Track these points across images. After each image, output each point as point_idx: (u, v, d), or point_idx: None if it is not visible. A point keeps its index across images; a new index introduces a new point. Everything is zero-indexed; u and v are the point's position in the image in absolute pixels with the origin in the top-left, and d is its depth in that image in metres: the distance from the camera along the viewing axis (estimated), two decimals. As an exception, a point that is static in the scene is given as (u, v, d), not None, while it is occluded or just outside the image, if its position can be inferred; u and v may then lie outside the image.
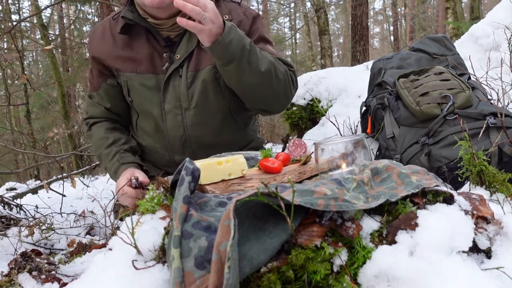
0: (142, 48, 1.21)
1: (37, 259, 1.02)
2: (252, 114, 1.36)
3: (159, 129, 1.25)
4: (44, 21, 6.87)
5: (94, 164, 3.71)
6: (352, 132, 1.81)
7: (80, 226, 1.86)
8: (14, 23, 3.30)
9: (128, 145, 1.30)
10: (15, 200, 2.41)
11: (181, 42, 1.19)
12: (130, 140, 1.33)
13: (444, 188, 0.62)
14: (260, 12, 11.97)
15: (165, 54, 1.20)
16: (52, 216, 1.91)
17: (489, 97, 1.30)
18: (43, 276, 0.96)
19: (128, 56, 1.22)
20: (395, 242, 0.53)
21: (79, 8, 7.73)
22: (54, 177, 3.50)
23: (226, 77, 1.12)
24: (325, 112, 2.26)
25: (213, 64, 1.18)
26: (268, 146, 4.54)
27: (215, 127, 1.24)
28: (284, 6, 12.26)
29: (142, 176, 1.15)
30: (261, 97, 1.16)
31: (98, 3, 5.05)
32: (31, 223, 1.62)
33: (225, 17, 1.18)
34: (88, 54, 1.41)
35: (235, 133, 1.30)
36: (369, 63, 2.65)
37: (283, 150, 2.76)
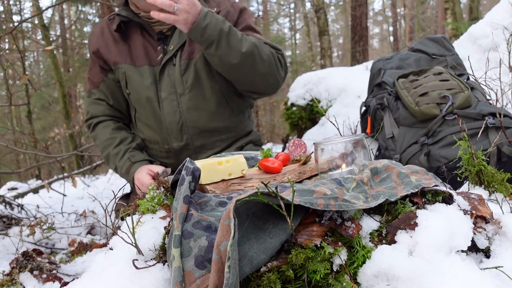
0: (138, 43, 1.29)
1: (38, 259, 1.03)
2: (246, 101, 1.38)
3: (156, 117, 1.29)
4: (45, 21, 6.88)
5: (95, 164, 3.71)
6: (351, 132, 1.82)
7: (81, 226, 1.87)
8: (16, 24, 3.31)
9: (135, 142, 1.34)
10: (16, 200, 2.42)
11: (174, 35, 1.26)
12: (136, 138, 1.37)
13: (443, 188, 0.63)
14: (260, 13, 11.96)
15: (159, 47, 1.27)
16: (53, 216, 1.91)
17: (488, 97, 1.30)
18: (44, 275, 0.96)
19: (126, 50, 1.30)
20: (394, 242, 0.54)
21: (80, 9, 7.74)
22: (55, 177, 3.51)
23: (210, 61, 1.18)
24: (325, 112, 2.26)
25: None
26: (268, 146, 4.54)
27: (210, 111, 1.28)
28: (284, 7, 12.26)
29: (160, 169, 1.22)
30: (247, 77, 1.21)
31: (99, 4, 5.06)
32: (32, 223, 1.62)
33: (213, 9, 1.26)
34: (88, 55, 1.43)
35: (230, 119, 1.32)
36: (369, 64, 2.65)
37: (283, 150, 2.76)
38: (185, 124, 1.27)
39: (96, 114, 1.37)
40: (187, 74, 1.25)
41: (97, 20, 7.93)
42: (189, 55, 1.25)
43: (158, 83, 1.26)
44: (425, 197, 0.61)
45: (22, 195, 2.82)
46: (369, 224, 0.56)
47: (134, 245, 0.57)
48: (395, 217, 0.57)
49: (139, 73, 1.28)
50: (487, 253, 0.57)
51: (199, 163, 0.71)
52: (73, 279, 0.83)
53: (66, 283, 0.90)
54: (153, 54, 1.27)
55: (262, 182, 0.54)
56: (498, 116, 0.86)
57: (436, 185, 0.62)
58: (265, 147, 1.85)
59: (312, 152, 0.76)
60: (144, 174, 1.20)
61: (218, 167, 0.72)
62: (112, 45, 1.30)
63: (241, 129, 1.36)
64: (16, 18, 7.40)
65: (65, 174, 3.12)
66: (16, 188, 3.28)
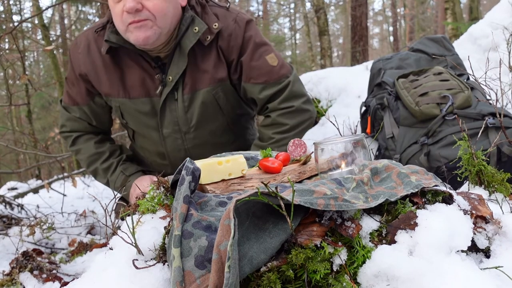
0: (132, 70, 1.14)
1: (38, 258, 1.03)
2: (249, 115, 1.35)
3: (159, 150, 1.24)
4: (45, 21, 6.87)
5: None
6: (351, 132, 1.82)
7: (81, 226, 1.87)
8: (16, 24, 3.31)
9: (125, 154, 1.29)
10: (16, 200, 2.42)
11: (172, 63, 1.13)
12: (124, 149, 1.32)
13: (443, 188, 0.63)
14: (260, 13, 11.95)
15: (156, 76, 1.14)
16: (53, 216, 1.91)
17: (488, 97, 1.30)
18: (44, 275, 0.96)
19: (118, 78, 1.15)
20: (394, 242, 0.54)
21: (80, 8, 7.74)
22: (55, 177, 3.50)
23: None
24: (325, 112, 2.26)
25: (211, 86, 1.14)
26: (268, 146, 4.52)
27: (215, 143, 1.23)
28: (284, 7, 12.26)
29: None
30: None
31: (98, 4, 5.06)
32: (32, 223, 1.62)
33: (214, 25, 1.11)
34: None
35: (235, 143, 1.30)
36: (369, 64, 2.65)
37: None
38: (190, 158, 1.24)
39: (75, 130, 1.27)
40: (191, 110, 1.15)
41: (96, 20, 7.93)
42: (192, 87, 1.13)
43: (159, 119, 1.17)
44: (425, 197, 0.61)
45: (22, 195, 2.82)
46: (369, 224, 0.56)
47: (134, 245, 0.57)
48: (395, 217, 0.57)
49: (135, 106, 1.16)
50: (487, 253, 0.57)
51: (199, 163, 0.70)
52: (73, 279, 0.83)
53: (66, 283, 0.90)
54: (150, 84, 1.14)
55: (262, 182, 0.54)
56: (498, 116, 0.86)
57: (436, 185, 0.62)
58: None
59: (312, 152, 0.76)
60: (140, 186, 1.15)
61: (218, 167, 0.72)
62: (101, 71, 1.14)
63: (245, 147, 1.34)
64: (16, 18, 7.40)
65: (65, 174, 3.11)
66: (16, 188, 3.27)
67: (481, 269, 0.53)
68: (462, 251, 0.55)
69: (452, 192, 0.62)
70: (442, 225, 0.53)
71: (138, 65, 1.14)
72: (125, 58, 1.15)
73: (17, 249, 1.43)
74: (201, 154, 1.21)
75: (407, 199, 0.60)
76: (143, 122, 1.19)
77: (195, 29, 1.10)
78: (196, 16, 1.12)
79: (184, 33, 1.10)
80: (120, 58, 1.15)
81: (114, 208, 1.31)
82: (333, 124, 1.05)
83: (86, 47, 1.17)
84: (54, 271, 1.07)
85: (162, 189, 0.69)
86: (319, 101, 2.41)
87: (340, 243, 0.53)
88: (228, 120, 1.23)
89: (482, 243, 0.57)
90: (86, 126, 1.28)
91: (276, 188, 0.52)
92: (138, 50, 1.13)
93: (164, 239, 0.59)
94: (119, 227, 0.71)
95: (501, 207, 0.63)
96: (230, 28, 1.13)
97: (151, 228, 0.60)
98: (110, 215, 0.67)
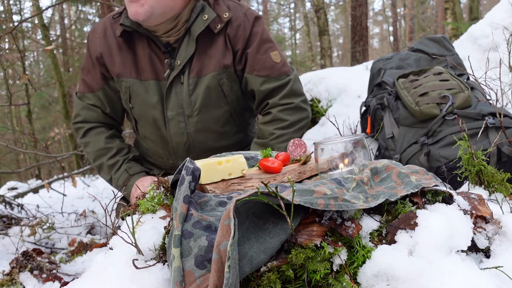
0: (144, 52, 1.20)
1: (38, 258, 1.03)
2: (252, 112, 1.36)
3: (162, 135, 1.25)
4: (45, 21, 6.87)
5: (94, 164, 3.70)
6: (351, 132, 1.82)
7: (81, 226, 1.87)
8: (16, 24, 3.30)
9: (132, 154, 1.30)
10: (16, 200, 2.41)
11: (180, 48, 1.18)
12: (132, 149, 1.33)
13: (443, 187, 0.63)
14: (260, 13, 11.95)
15: (166, 60, 1.19)
16: (53, 216, 1.92)
17: (488, 97, 1.30)
18: (44, 275, 0.96)
19: (131, 60, 1.21)
20: (394, 242, 0.54)
21: (80, 8, 7.74)
22: (55, 177, 3.50)
23: None
24: (325, 112, 2.26)
25: (216, 71, 1.18)
26: (268, 146, 4.51)
27: (217, 131, 1.25)
28: (284, 7, 12.26)
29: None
30: None
31: (98, 4, 5.06)
32: (32, 223, 1.62)
33: (225, 14, 1.18)
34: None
35: (237, 135, 1.30)
36: (369, 63, 2.65)
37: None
38: (192, 145, 1.24)
39: (88, 120, 1.29)
40: (195, 94, 1.19)
41: (96, 20, 7.93)
42: (198, 72, 1.18)
43: (164, 102, 1.20)
44: (425, 197, 0.61)
45: (22, 195, 2.82)
46: (369, 224, 0.56)
47: (134, 245, 0.57)
48: (395, 217, 0.57)
49: (144, 88, 1.20)
50: (487, 253, 0.57)
51: (199, 163, 0.70)
52: (73, 279, 0.83)
53: (66, 283, 0.90)
54: (159, 68, 1.20)
55: (262, 182, 0.54)
56: (498, 116, 0.86)
57: (436, 185, 0.62)
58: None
59: (312, 152, 0.76)
60: (140, 186, 1.16)
61: (218, 167, 0.72)
62: (116, 53, 1.21)
63: (247, 142, 1.35)
64: (16, 18, 7.40)
65: (65, 174, 3.11)
66: (16, 188, 3.27)
67: (481, 269, 0.53)
68: (462, 251, 0.55)
69: (452, 192, 0.62)
70: (442, 225, 0.53)
71: (149, 49, 1.20)
72: (138, 42, 1.21)
73: (17, 249, 1.43)
74: (203, 140, 1.24)
75: (407, 199, 0.60)
76: (150, 104, 1.22)
77: (205, 17, 1.16)
78: (207, 5, 1.18)
79: (194, 21, 1.17)
80: (133, 42, 1.22)
81: (116, 208, 1.31)
82: (333, 124, 1.05)
83: (103, 31, 1.24)
84: (54, 271, 1.08)
85: (162, 189, 0.69)
86: (319, 101, 2.41)
87: (340, 243, 0.53)
88: (232, 110, 1.25)
89: (482, 243, 0.57)
90: (99, 114, 1.29)
91: (276, 188, 0.52)
92: (150, 34, 1.18)
93: (164, 239, 0.59)
94: (119, 227, 0.71)
95: (501, 207, 0.63)
96: (240, 19, 1.19)
97: (151, 228, 0.60)
98: (110, 215, 0.67)
